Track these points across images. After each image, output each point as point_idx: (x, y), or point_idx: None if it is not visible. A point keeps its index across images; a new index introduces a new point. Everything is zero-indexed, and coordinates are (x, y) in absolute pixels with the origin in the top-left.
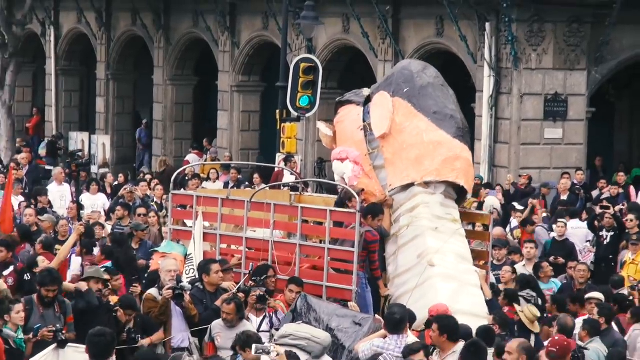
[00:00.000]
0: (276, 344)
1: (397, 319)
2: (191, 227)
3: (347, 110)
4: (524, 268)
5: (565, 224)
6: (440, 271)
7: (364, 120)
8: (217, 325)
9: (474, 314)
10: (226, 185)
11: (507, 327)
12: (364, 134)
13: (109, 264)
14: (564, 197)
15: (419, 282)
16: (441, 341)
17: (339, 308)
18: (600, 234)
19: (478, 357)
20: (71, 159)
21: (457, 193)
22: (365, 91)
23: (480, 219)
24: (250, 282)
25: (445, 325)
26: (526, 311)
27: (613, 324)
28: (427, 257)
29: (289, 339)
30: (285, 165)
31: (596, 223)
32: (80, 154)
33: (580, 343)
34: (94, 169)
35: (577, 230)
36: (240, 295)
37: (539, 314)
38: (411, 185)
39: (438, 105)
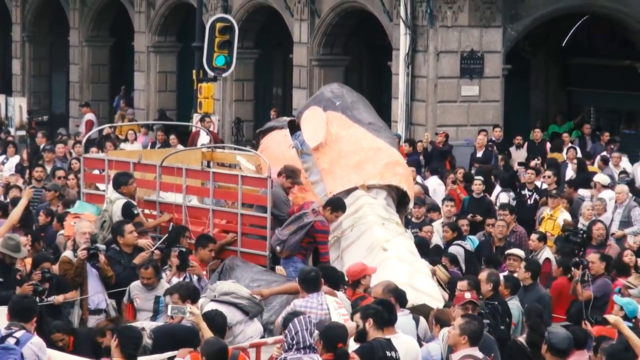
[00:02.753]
0: (217, 301)
1: (313, 277)
2: (104, 190)
3: (271, 137)
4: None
5: (482, 182)
6: (395, 254)
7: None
8: (135, 286)
9: (432, 296)
10: (145, 146)
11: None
12: (296, 152)
13: None
14: (479, 154)
15: (374, 266)
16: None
17: (263, 271)
18: (523, 193)
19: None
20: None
21: (398, 201)
22: (286, 118)
23: None
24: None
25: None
26: (439, 273)
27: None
28: (378, 245)
29: (231, 297)
30: (201, 124)
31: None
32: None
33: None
34: (11, 130)
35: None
36: (157, 252)
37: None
38: (352, 190)
39: (372, 117)
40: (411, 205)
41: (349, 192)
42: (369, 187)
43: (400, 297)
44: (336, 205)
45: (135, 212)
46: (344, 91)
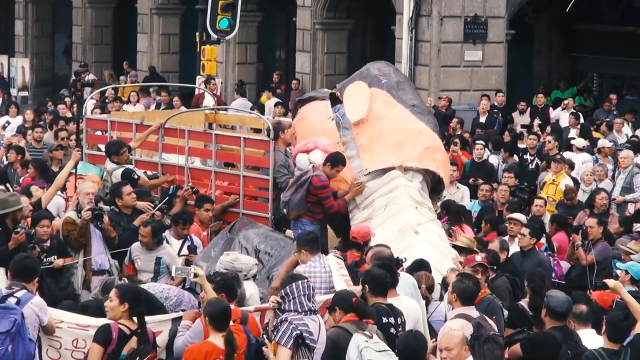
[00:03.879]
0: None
1: (313, 237)
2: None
3: (310, 107)
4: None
5: (484, 146)
6: (425, 237)
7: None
8: (136, 247)
9: None
10: (147, 108)
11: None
12: (335, 125)
13: None
14: (482, 119)
15: (403, 248)
16: None
17: (270, 231)
18: (525, 157)
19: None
20: None
21: (432, 188)
22: (327, 90)
23: None
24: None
25: None
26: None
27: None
28: (410, 228)
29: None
30: (205, 87)
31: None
32: None
33: None
34: (13, 92)
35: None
36: (157, 214)
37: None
38: (388, 170)
39: (417, 100)
40: (445, 193)
41: (385, 171)
42: (406, 169)
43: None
44: (335, 160)
45: (136, 176)
46: (390, 70)
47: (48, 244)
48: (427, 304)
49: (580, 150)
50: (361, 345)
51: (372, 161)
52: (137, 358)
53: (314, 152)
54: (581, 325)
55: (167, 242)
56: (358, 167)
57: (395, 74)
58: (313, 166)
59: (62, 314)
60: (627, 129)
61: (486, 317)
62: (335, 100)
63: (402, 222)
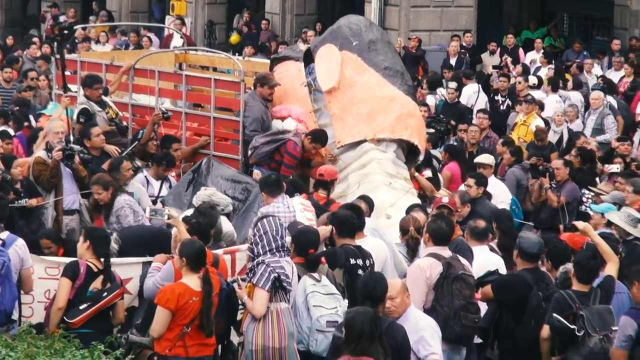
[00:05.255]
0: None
1: (274, 179)
2: (76, 92)
3: (285, 67)
4: None
5: (455, 88)
6: (397, 221)
7: (306, 77)
8: None
9: None
10: (116, 48)
11: None
12: (308, 90)
13: None
14: (453, 61)
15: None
16: None
17: (237, 174)
18: (496, 98)
19: None
20: None
21: (408, 154)
22: (303, 46)
23: None
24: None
25: None
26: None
27: None
28: (382, 211)
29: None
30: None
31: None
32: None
33: None
34: None
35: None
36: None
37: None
38: (361, 142)
39: (389, 61)
40: (421, 157)
41: (358, 143)
42: (379, 140)
43: (371, 203)
44: (317, 137)
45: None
46: (362, 28)
47: (18, 185)
48: (417, 246)
49: (532, 87)
50: (307, 290)
51: (345, 133)
52: (105, 294)
53: (288, 121)
54: (476, 241)
55: (148, 181)
56: (331, 137)
57: (367, 32)
58: (297, 132)
59: (32, 257)
60: (597, 69)
61: (458, 257)
62: (310, 58)
63: (375, 202)
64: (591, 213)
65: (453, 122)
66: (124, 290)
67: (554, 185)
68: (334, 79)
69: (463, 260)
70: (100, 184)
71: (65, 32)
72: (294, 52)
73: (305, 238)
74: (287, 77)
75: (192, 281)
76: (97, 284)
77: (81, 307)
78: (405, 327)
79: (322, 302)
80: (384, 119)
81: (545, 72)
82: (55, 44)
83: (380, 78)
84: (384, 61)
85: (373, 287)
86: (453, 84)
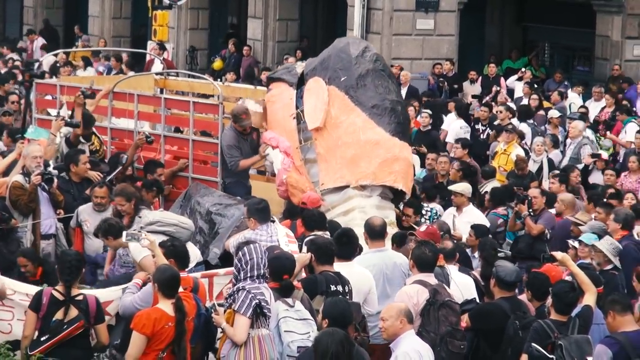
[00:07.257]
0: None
1: (262, 207)
2: (55, 116)
3: (279, 90)
4: None
5: (429, 115)
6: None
7: (297, 107)
8: (84, 210)
9: None
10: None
11: None
12: (297, 122)
13: None
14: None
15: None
16: None
17: (224, 196)
18: (477, 127)
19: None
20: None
21: (395, 192)
22: (299, 67)
23: None
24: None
25: None
26: None
27: None
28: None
29: (156, 226)
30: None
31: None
32: None
33: None
34: None
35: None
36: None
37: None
38: (346, 187)
39: (377, 98)
40: (407, 197)
41: (342, 188)
42: (363, 186)
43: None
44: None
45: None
46: (352, 60)
47: None
48: None
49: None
50: (280, 315)
51: (328, 176)
52: (65, 326)
53: (275, 154)
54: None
55: None
56: (316, 175)
57: (358, 65)
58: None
59: (14, 283)
60: (576, 99)
61: (444, 285)
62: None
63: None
64: (577, 245)
65: (424, 149)
66: (105, 313)
67: (531, 214)
68: (319, 118)
69: (448, 288)
70: (124, 195)
71: (35, 79)
72: (290, 74)
73: (279, 263)
74: (279, 102)
75: (168, 306)
76: (59, 314)
77: (42, 339)
78: (396, 352)
79: (294, 327)
80: (367, 165)
81: (526, 102)
82: (24, 89)
83: (366, 119)
84: (372, 98)
85: (341, 312)
86: (427, 111)
